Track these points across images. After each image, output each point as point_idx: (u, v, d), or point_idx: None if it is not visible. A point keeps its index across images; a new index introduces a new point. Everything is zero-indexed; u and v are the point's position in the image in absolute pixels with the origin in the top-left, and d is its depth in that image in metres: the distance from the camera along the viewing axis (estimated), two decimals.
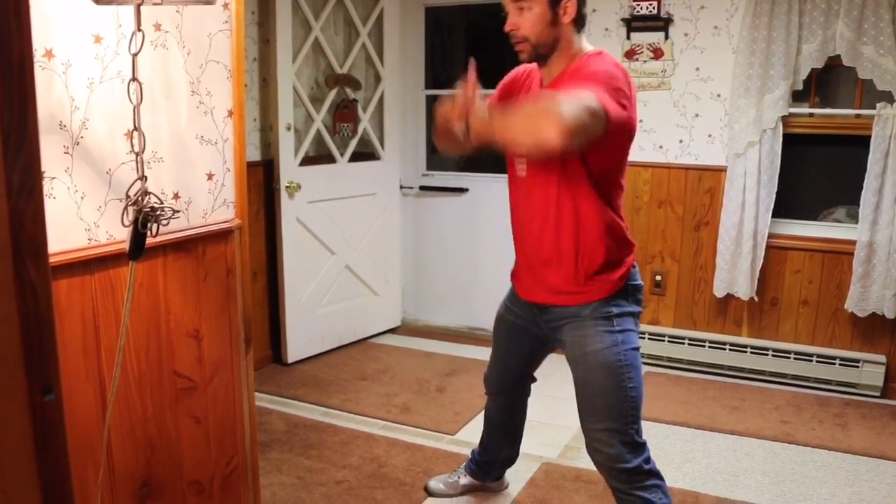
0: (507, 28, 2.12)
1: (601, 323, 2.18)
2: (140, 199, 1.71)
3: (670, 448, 3.32)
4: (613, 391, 2.16)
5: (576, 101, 1.79)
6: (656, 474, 2.26)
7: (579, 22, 2.13)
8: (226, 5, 2.20)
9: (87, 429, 1.90)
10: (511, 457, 2.89)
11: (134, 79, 1.67)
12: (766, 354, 4.05)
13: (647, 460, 2.24)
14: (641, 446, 2.23)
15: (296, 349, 4.34)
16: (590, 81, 1.94)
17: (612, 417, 2.18)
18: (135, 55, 1.64)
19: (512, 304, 2.50)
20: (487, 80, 2.36)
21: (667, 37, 4.08)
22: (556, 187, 2.15)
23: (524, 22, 2.08)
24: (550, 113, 1.73)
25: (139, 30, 1.62)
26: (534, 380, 2.72)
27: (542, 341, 2.46)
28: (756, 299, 4.06)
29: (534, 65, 2.23)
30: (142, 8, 1.65)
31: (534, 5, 2.06)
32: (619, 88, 1.97)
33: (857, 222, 3.82)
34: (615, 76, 2.00)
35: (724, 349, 4.14)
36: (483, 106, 1.90)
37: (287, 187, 4.16)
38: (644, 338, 4.26)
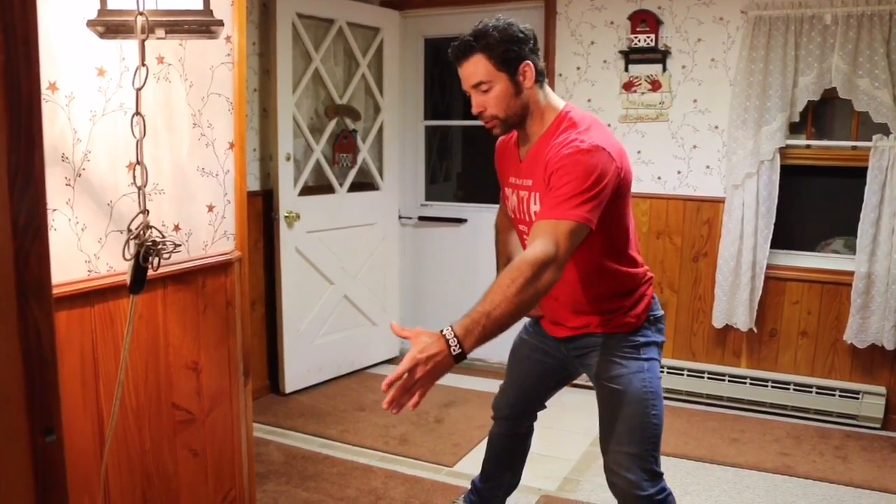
0: (474, 110, 2.10)
1: (629, 351, 2.20)
2: (142, 233, 1.71)
3: (670, 481, 3.25)
4: (638, 416, 2.18)
5: (544, 244, 1.81)
6: None
7: (540, 78, 2.10)
8: (228, 38, 2.22)
9: (84, 462, 1.89)
10: (513, 483, 2.85)
11: (137, 113, 1.68)
12: (766, 386, 4.03)
13: (662, 490, 2.23)
14: (659, 476, 2.23)
15: (293, 379, 4.32)
16: (566, 192, 1.89)
17: (634, 442, 2.19)
18: (138, 90, 1.65)
19: (534, 329, 2.50)
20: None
21: (664, 69, 4.11)
22: None
23: (490, 101, 2.06)
24: (530, 269, 1.76)
25: (143, 65, 1.63)
26: (543, 407, 2.70)
27: (564, 366, 2.44)
28: (755, 330, 4.05)
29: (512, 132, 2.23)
30: (146, 42, 1.66)
31: (494, 84, 2.04)
32: (599, 184, 1.91)
33: (854, 253, 3.83)
34: (593, 170, 1.91)
35: (724, 380, 4.12)
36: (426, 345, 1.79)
37: (286, 217, 4.16)
38: None
